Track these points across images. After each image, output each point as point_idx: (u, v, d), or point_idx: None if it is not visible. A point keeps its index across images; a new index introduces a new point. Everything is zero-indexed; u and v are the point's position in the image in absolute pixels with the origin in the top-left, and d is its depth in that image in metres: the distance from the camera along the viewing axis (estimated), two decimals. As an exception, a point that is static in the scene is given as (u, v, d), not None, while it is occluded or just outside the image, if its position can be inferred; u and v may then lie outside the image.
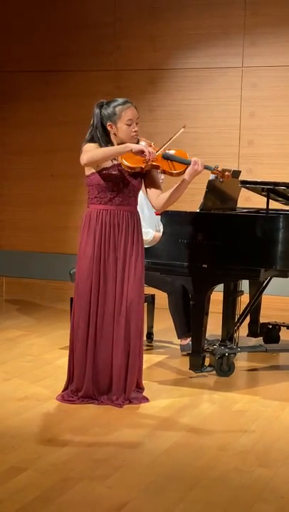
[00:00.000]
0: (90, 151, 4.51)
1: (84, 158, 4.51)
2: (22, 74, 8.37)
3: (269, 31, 7.46)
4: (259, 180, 5.69)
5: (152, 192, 4.70)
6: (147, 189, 4.72)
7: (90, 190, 4.68)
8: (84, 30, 8.09)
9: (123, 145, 4.50)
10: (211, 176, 5.51)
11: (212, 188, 5.52)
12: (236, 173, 5.88)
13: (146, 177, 4.69)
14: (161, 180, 5.43)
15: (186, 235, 5.29)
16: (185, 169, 4.62)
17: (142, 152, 4.44)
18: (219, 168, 4.70)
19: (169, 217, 5.40)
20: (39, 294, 8.34)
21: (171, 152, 4.67)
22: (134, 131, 4.60)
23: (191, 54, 7.76)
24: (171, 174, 4.65)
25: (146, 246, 5.59)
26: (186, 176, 4.61)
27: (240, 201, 6.23)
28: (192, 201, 6.72)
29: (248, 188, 5.68)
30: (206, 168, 4.66)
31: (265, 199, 5.44)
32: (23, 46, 8.33)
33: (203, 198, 5.44)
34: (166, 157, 4.63)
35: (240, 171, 6.03)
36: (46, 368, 5.50)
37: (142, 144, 4.53)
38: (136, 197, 4.70)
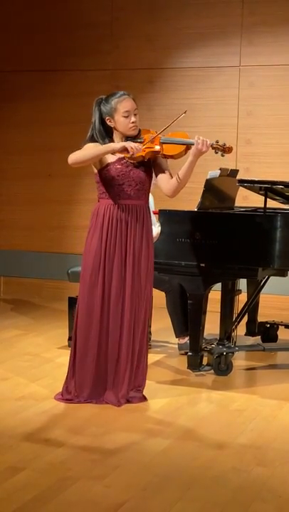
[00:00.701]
0: (76, 153, 4.51)
1: (70, 158, 4.52)
2: (20, 73, 8.37)
3: (266, 30, 7.46)
4: (257, 179, 5.69)
5: (161, 178, 4.66)
6: (157, 178, 4.69)
7: (98, 186, 4.67)
8: (82, 30, 8.08)
9: (106, 145, 4.51)
10: (209, 175, 5.52)
11: (210, 187, 5.52)
12: (234, 172, 5.88)
13: (154, 165, 4.66)
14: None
15: (184, 234, 5.29)
16: (185, 149, 4.58)
17: (125, 150, 4.44)
18: (220, 143, 4.69)
19: (167, 216, 5.40)
20: (37, 294, 8.34)
21: (169, 136, 4.64)
22: (132, 123, 4.59)
23: (189, 53, 7.76)
24: (172, 157, 4.61)
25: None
26: (190, 155, 4.58)
27: (238, 200, 6.22)
28: (190, 200, 6.72)
29: (245, 187, 5.68)
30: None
31: (262, 198, 5.44)
32: (21, 46, 8.32)
33: (201, 197, 5.44)
34: (165, 141, 4.60)
35: (237, 170, 6.03)
36: (44, 367, 5.49)
37: (125, 142, 4.50)
38: (145, 190, 4.66)
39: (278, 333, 6.37)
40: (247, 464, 3.77)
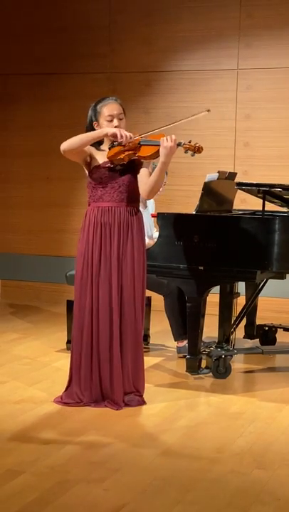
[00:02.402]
0: (69, 140, 4.55)
1: (62, 145, 4.56)
2: (17, 77, 8.37)
3: (264, 33, 7.47)
4: (255, 182, 5.69)
5: (139, 180, 4.67)
6: (138, 179, 4.69)
7: (87, 190, 4.71)
8: (79, 33, 8.09)
9: (100, 130, 4.55)
10: (207, 178, 5.53)
11: (208, 190, 5.53)
12: (232, 175, 5.89)
13: (136, 168, 4.66)
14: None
15: (182, 237, 5.29)
16: (158, 150, 4.54)
17: (115, 136, 4.46)
18: (192, 143, 4.63)
19: (165, 219, 5.40)
20: (35, 297, 8.33)
21: (146, 138, 4.60)
22: (115, 127, 4.60)
23: (186, 56, 7.76)
24: (145, 158, 4.60)
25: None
26: (160, 156, 4.54)
27: (236, 203, 6.23)
28: (188, 203, 6.74)
29: (243, 190, 5.68)
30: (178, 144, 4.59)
31: (261, 201, 5.45)
32: (19, 49, 8.32)
33: (199, 200, 5.45)
34: (142, 143, 4.59)
35: (236, 173, 6.04)
36: (43, 370, 5.49)
37: (117, 129, 4.51)
38: (129, 192, 4.64)
39: (277, 335, 6.36)
40: (246, 466, 3.77)
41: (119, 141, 4.48)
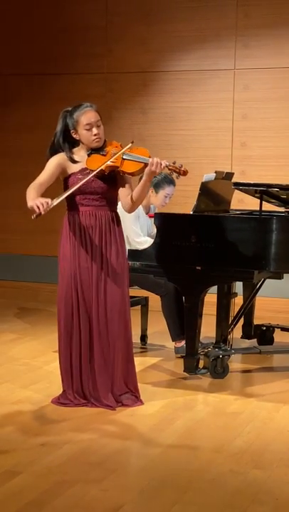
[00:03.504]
0: (28, 189, 4.57)
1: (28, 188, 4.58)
2: (13, 77, 8.37)
3: (261, 33, 7.47)
4: (252, 182, 5.70)
5: (120, 193, 4.68)
6: (119, 191, 4.70)
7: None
8: (76, 33, 8.09)
9: (27, 198, 4.52)
10: (204, 178, 5.53)
11: (205, 190, 5.53)
12: (229, 175, 5.89)
13: (117, 178, 4.64)
14: (165, 197, 5.45)
15: (179, 237, 5.29)
16: (143, 167, 4.54)
17: (32, 207, 4.43)
18: (176, 164, 4.60)
19: (162, 219, 5.40)
20: (32, 297, 8.32)
21: (131, 153, 4.57)
22: (94, 135, 4.58)
23: (183, 56, 7.76)
24: (131, 174, 4.59)
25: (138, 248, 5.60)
26: (144, 175, 4.56)
27: (234, 203, 6.23)
28: (185, 203, 6.73)
29: (241, 190, 5.69)
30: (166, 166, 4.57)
31: (258, 201, 5.45)
32: (16, 50, 8.32)
33: (197, 200, 5.45)
34: (126, 157, 4.56)
35: (233, 173, 6.04)
36: (40, 371, 5.49)
37: (33, 201, 4.48)
38: (107, 199, 4.63)
39: (274, 335, 6.36)
40: (244, 466, 3.77)
41: (36, 214, 4.42)
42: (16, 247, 8.48)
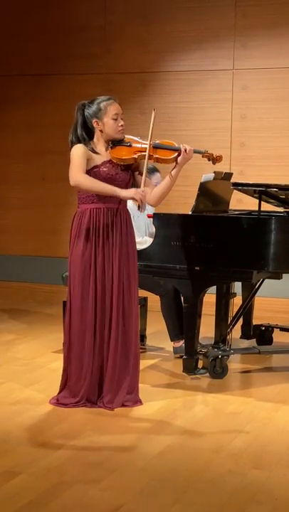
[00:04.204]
0: (85, 178, 4.45)
1: (76, 179, 4.44)
2: (12, 77, 8.37)
3: (259, 33, 7.47)
4: (251, 182, 5.70)
5: (148, 186, 4.68)
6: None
7: (80, 190, 4.65)
8: (74, 34, 8.09)
9: (114, 191, 4.47)
10: (203, 178, 5.53)
11: (204, 191, 5.52)
12: (228, 175, 5.89)
13: (138, 174, 4.66)
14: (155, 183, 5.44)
15: (178, 237, 5.29)
16: (176, 155, 4.64)
17: (133, 199, 4.47)
18: (209, 152, 4.85)
19: (161, 219, 5.40)
20: (31, 298, 8.32)
21: (160, 142, 4.69)
22: (121, 126, 4.62)
23: (182, 56, 7.76)
24: (166, 161, 4.68)
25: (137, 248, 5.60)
26: (179, 164, 4.65)
27: (233, 203, 6.23)
28: (184, 203, 6.73)
29: (240, 190, 5.69)
30: (197, 152, 4.75)
31: (257, 201, 5.45)
32: (15, 50, 8.32)
33: (195, 201, 5.45)
34: (157, 146, 4.65)
35: (232, 173, 6.04)
36: (39, 371, 5.48)
37: (132, 189, 4.53)
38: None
39: (273, 335, 6.37)
40: (243, 466, 3.77)
41: (138, 203, 4.48)
42: (14, 247, 8.48)
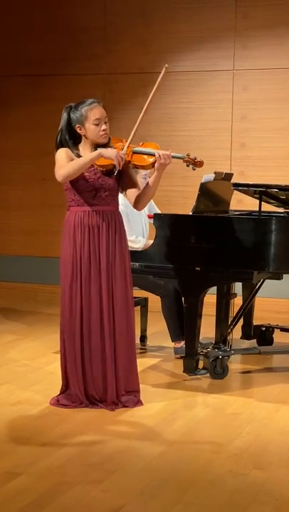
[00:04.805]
0: (64, 167, 4.47)
1: (60, 174, 4.49)
2: (12, 78, 8.37)
3: (260, 34, 7.47)
4: (251, 183, 5.70)
5: (130, 192, 4.69)
6: (125, 190, 4.70)
7: (67, 194, 4.68)
8: (75, 34, 8.09)
9: (95, 152, 4.48)
10: (204, 178, 5.53)
11: (204, 191, 5.53)
12: (228, 176, 5.89)
13: (123, 178, 4.65)
14: (144, 179, 5.42)
15: (178, 237, 5.29)
16: (152, 161, 4.57)
17: (117, 159, 4.43)
18: (191, 156, 4.68)
19: (161, 220, 5.40)
20: (32, 298, 8.32)
21: (140, 147, 4.62)
22: (103, 131, 4.59)
23: (182, 57, 7.76)
24: (144, 167, 4.64)
25: (138, 249, 5.60)
26: (157, 170, 4.59)
27: (233, 204, 6.23)
28: (185, 204, 6.74)
29: (240, 191, 5.69)
30: (176, 157, 4.62)
31: (257, 201, 5.45)
32: (14, 50, 8.32)
33: (196, 201, 5.45)
34: (136, 151, 4.60)
35: (232, 174, 6.04)
36: (39, 372, 5.49)
37: (112, 149, 4.50)
38: (114, 196, 4.65)
39: (274, 336, 6.37)
40: (244, 467, 3.77)
41: (116, 164, 4.44)
42: (14, 248, 8.48)
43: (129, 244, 5.65)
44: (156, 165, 4.57)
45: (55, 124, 8.31)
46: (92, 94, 7.65)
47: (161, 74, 4.57)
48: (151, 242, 5.55)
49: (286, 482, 3.60)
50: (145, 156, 4.59)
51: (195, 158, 4.68)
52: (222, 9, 7.57)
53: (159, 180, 4.63)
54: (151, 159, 4.58)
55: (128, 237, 5.68)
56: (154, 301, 6.15)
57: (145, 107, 4.61)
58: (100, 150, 4.48)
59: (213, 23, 7.61)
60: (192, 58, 7.72)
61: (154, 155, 4.56)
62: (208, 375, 5.36)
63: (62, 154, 4.57)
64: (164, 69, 4.58)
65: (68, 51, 8.12)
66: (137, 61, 7.91)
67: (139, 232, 5.93)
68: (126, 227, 5.57)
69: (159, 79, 4.57)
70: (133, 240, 5.73)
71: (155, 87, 4.56)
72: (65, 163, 4.51)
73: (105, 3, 7.98)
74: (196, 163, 4.69)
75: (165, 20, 7.77)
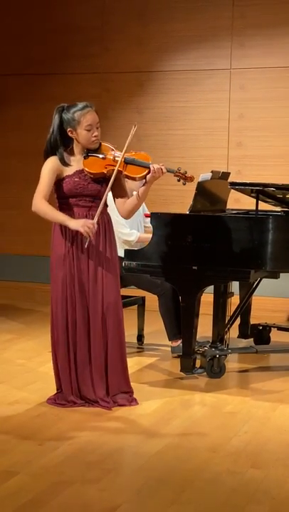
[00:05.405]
0: (43, 207, 4.59)
1: (35, 202, 4.66)
2: (10, 77, 8.37)
3: (257, 33, 7.48)
4: (248, 182, 5.70)
5: (119, 201, 4.69)
6: (115, 198, 4.70)
7: (56, 196, 4.69)
8: (72, 33, 8.09)
9: (65, 220, 4.50)
10: (201, 178, 5.53)
11: (201, 190, 5.52)
12: (225, 175, 5.89)
13: (114, 186, 4.62)
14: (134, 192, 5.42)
15: (176, 236, 5.29)
16: (145, 173, 4.58)
17: (85, 233, 4.44)
18: (181, 171, 4.72)
19: (158, 219, 5.40)
20: (29, 298, 8.32)
21: (133, 157, 4.61)
22: (94, 136, 4.57)
23: (179, 56, 7.77)
24: (134, 179, 4.63)
25: (134, 248, 5.59)
26: (148, 182, 4.60)
27: (230, 203, 6.23)
28: (182, 203, 6.74)
29: (237, 190, 5.68)
30: (168, 171, 4.64)
31: (254, 200, 5.45)
32: (11, 49, 8.32)
33: (193, 200, 5.44)
34: (129, 162, 4.58)
35: (229, 173, 6.04)
36: (36, 371, 5.48)
37: (80, 220, 4.48)
38: (101, 200, 4.59)
39: (271, 335, 6.37)
40: (241, 466, 3.77)
41: (85, 236, 4.43)
42: (12, 247, 8.48)
43: (123, 237, 5.66)
44: (147, 177, 4.57)
45: (51, 123, 8.32)
46: (88, 93, 7.69)
47: (131, 133, 4.55)
48: (148, 236, 5.51)
49: (283, 481, 3.60)
50: (139, 168, 4.58)
51: (185, 173, 4.72)
52: (219, 8, 7.57)
53: (148, 192, 4.65)
54: (144, 172, 4.57)
55: (121, 230, 5.69)
56: (152, 300, 6.15)
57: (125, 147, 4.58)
58: (68, 222, 4.48)
59: (210, 22, 7.61)
60: (189, 57, 7.73)
61: (147, 167, 4.56)
62: (205, 374, 5.36)
63: (47, 170, 4.63)
64: (134, 128, 4.57)
65: (65, 50, 8.13)
66: (133, 60, 7.91)
67: (134, 225, 5.92)
68: (120, 221, 5.55)
69: (129, 138, 4.54)
70: (127, 233, 5.73)
71: (126, 145, 4.53)
72: (46, 185, 4.62)
73: (103, 3, 7.98)
74: (186, 178, 4.74)
75: (162, 19, 7.77)
